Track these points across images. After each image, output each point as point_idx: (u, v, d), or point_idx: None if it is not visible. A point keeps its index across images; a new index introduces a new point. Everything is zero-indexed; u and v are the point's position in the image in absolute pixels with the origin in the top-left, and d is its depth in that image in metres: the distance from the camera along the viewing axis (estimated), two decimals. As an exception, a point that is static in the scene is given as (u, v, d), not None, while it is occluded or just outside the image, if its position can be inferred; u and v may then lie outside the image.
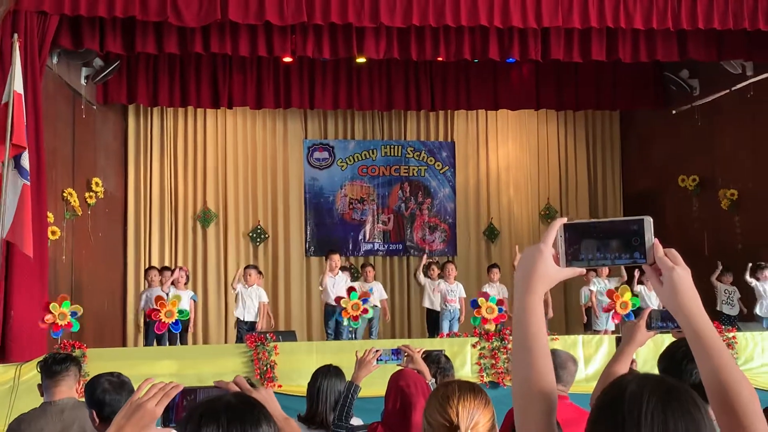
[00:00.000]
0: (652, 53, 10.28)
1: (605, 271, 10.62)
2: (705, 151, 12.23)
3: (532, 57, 10.11)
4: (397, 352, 3.77)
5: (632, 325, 2.93)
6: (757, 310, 10.18)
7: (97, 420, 3.24)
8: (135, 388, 1.85)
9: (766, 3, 9.26)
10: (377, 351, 3.82)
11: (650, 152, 13.56)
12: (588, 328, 10.71)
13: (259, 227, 13.26)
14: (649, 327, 2.90)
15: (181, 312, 8.85)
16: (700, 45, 10.34)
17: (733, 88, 11.64)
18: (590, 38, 9.96)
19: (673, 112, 12.91)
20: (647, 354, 6.65)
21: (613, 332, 9.75)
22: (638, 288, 10.23)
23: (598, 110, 13.92)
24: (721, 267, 10.70)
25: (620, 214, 14.09)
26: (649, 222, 1.46)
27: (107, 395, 3.28)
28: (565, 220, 1.50)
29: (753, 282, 10.15)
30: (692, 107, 12.50)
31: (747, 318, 10.24)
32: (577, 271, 1.50)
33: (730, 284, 10.74)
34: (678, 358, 2.65)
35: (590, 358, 8.47)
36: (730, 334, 8.55)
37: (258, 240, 13.23)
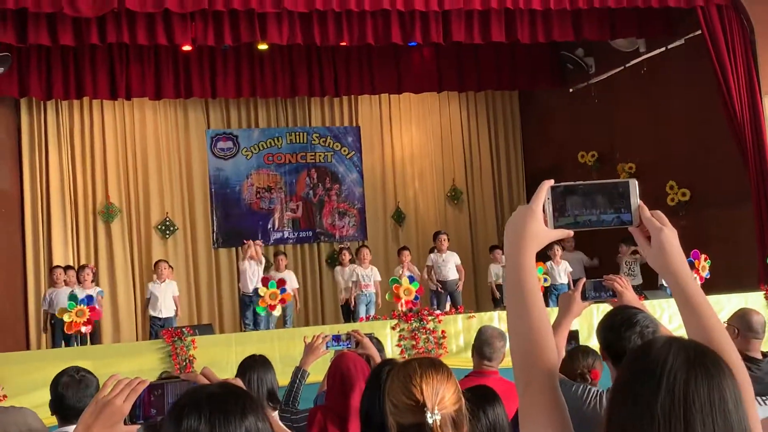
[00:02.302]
0: (549, 34, 10.52)
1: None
2: (603, 127, 12.62)
3: (434, 40, 10.21)
4: (347, 337, 3.78)
5: (568, 296, 3.01)
6: (661, 281, 10.55)
7: None
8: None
9: (657, -19, 9.60)
10: (326, 336, 3.82)
11: (550, 130, 13.91)
12: (498, 304, 10.94)
13: (167, 220, 12.96)
14: (584, 298, 2.99)
15: (87, 300, 8.55)
16: (594, 24, 10.65)
17: (627, 65, 12.04)
18: (490, 20, 10.11)
19: (571, 90, 13.27)
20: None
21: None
22: (547, 264, 10.52)
23: (499, 91, 14.18)
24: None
25: (523, 191, 14.42)
26: (634, 184, 1.49)
27: (68, 390, 3.21)
28: (552, 182, 1.51)
29: None
30: (588, 85, 12.88)
31: (651, 288, 10.63)
32: (565, 232, 1.52)
33: (630, 254, 11.13)
34: (616, 326, 2.75)
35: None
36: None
37: (168, 233, 12.94)
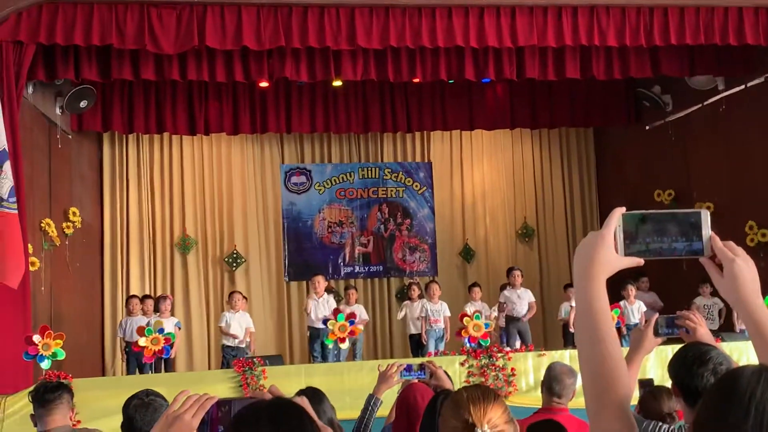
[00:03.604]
0: (625, 70, 10.44)
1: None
2: (679, 165, 12.38)
3: (507, 76, 10.22)
4: (420, 367, 3.78)
5: (639, 332, 2.96)
6: (740, 324, 10.24)
7: None
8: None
9: (736, 19, 9.43)
10: (400, 365, 3.83)
11: (625, 168, 13.71)
12: (569, 342, 10.76)
13: (235, 252, 13.20)
14: (656, 334, 2.93)
15: (163, 331, 8.76)
16: (673, 61, 10.52)
17: (704, 103, 11.82)
18: (564, 56, 10.08)
19: (647, 127, 13.08)
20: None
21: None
22: (621, 303, 10.31)
23: (572, 128, 14.07)
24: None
25: (597, 230, 14.14)
26: (706, 214, 1.47)
27: (138, 412, 3.30)
28: (624, 209, 1.50)
29: None
30: (665, 122, 12.68)
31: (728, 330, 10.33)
32: (635, 260, 1.50)
33: (709, 296, 10.85)
34: (688, 362, 2.68)
35: (578, 371, 8.48)
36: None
37: (234, 265, 13.16)
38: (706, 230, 1.47)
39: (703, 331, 2.86)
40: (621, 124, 13.42)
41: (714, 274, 1.51)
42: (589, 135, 14.59)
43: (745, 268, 1.47)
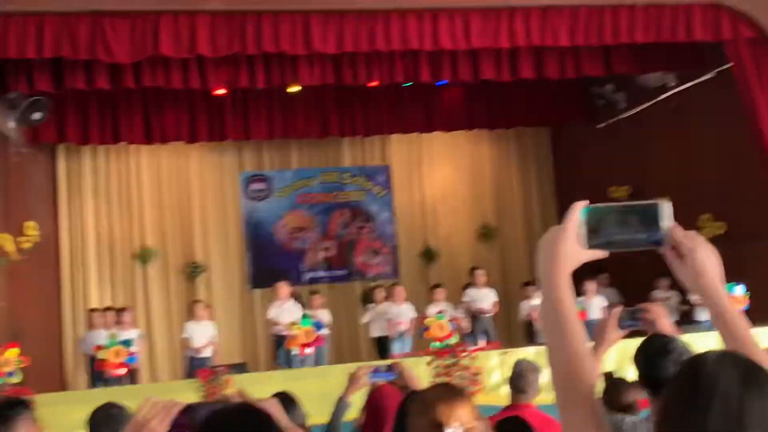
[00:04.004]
0: (578, 69, 10.58)
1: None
2: (634, 162, 12.58)
3: (463, 78, 10.31)
4: (388, 368, 3.79)
5: (603, 325, 3.00)
6: (699, 316, 10.39)
7: None
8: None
9: (685, 16, 9.61)
10: (369, 367, 3.84)
11: (581, 166, 13.88)
12: (532, 339, 10.86)
13: (195, 261, 13.11)
14: (619, 326, 2.98)
15: (126, 342, 8.67)
16: (624, 59, 10.68)
17: (656, 100, 12.03)
18: (518, 57, 10.19)
19: (601, 125, 13.27)
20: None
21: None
22: (579, 299, 10.43)
23: (529, 127, 14.21)
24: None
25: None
26: (666, 206, 1.49)
27: (103, 425, 3.28)
28: (586, 202, 1.51)
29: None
30: (619, 120, 12.87)
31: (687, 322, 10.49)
32: (598, 253, 1.50)
33: (668, 288, 11.01)
34: (651, 354, 2.74)
35: (543, 367, 8.57)
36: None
37: (195, 274, 13.08)
38: (666, 221, 1.49)
39: (665, 323, 2.92)
40: (576, 122, 13.60)
41: (676, 264, 1.52)
42: (546, 134, 14.75)
43: (707, 256, 1.50)
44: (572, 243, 1.49)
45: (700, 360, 1.31)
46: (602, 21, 9.53)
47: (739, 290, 9.45)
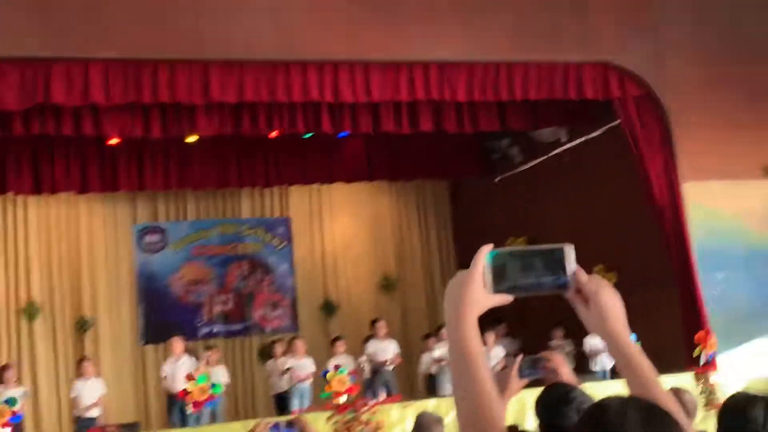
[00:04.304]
0: (475, 124, 10.78)
1: (446, 335, 10.85)
2: (529, 214, 12.88)
3: (364, 130, 10.37)
4: (287, 424, 3.66)
5: (505, 374, 2.98)
6: (593, 366, 10.61)
7: None
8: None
9: (576, 74, 9.98)
10: (267, 423, 3.70)
11: (479, 218, 14.11)
12: (433, 391, 10.84)
13: (83, 317, 12.59)
14: (520, 376, 2.97)
15: (9, 401, 8.19)
16: (519, 115, 10.96)
17: (550, 154, 12.39)
18: (418, 111, 10.32)
19: (498, 179, 13.56)
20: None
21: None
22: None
23: (428, 180, 14.39)
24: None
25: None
26: (569, 249, 1.49)
27: None
28: (490, 246, 1.50)
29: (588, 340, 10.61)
30: (514, 174, 13.19)
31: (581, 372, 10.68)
32: (504, 298, 1.49)
33: (562, 338, 11.21)
34: (553, 402, 2.73)
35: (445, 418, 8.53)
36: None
37: (84, 330, 12.55)
38: (571, 265, 1.49)
39: (566, 372, 2.92)
40: (473, 176, 13.86)
41: (580, 308, 1.51)
42: (445, 187, 14.96)
43: (611, 300, 1.49)
44: (479, 288, 1.47)
45: (603, 405, 1.30)
46: (498, 78, 9.78)
47: (632, 338, 9.67)
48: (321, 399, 8.92)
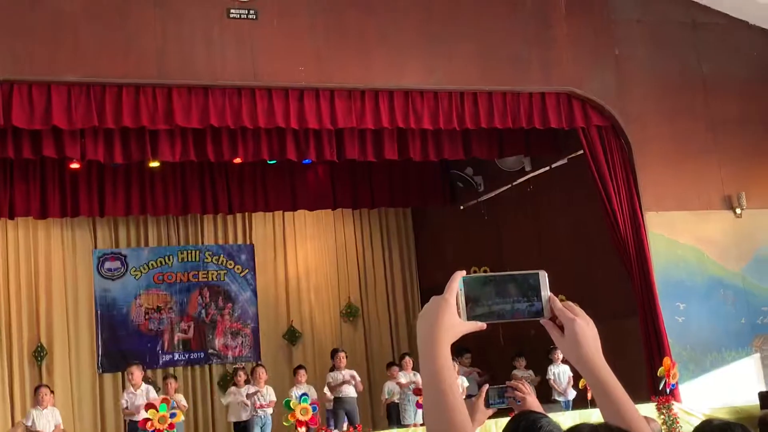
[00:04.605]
0: (439, 152, 10.83)
1: (410, 364, 10.80)
2: (492, 243, 12.91)
3: (328, 157, 10.33)
4: None
5: (471, 403, 2.94)
6: (556, 396, 10.61)
7: None
8: None
9: (540, 104, 10.07)
10: None
11: (443, 247, 14.12)
12: (393, 422, 10.74)
13: (40, 344, 12.31)
14: (487, 405, 2.93)
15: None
16: (483, 143, 11.04)
17: (513, 183, 12.45)
18: (382, 138, 10.33)
19: (461, 207, 13.59)
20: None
21: (422, 424, 9.87)
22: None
23: (392, 208, 14.38)
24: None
25: (418, 307, 14.44)
26: (544, 276, 1.47)
27: None
28: (464, 272, 1.47)
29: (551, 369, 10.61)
30: (478, 202, 13.23)
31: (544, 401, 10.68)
32: (478, 325, 1.47)
33: (524, 369, 11.20)
34: (520, 431, 2.68)
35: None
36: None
37: (40, 358, 12.27)
38: (545, 291, 1.47)
39: (532, 401, 2.90)
40: (437, 204, 13.88)
41: (555, 335, 1.50)
42: (408, 215, 14.96)
43: (586, 327, 1.48)
44: (453, 314, 1.45)
45: (576, 430, 1.30)
46: (463, 106, 9.83)
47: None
48: (283, 427, 8.79)
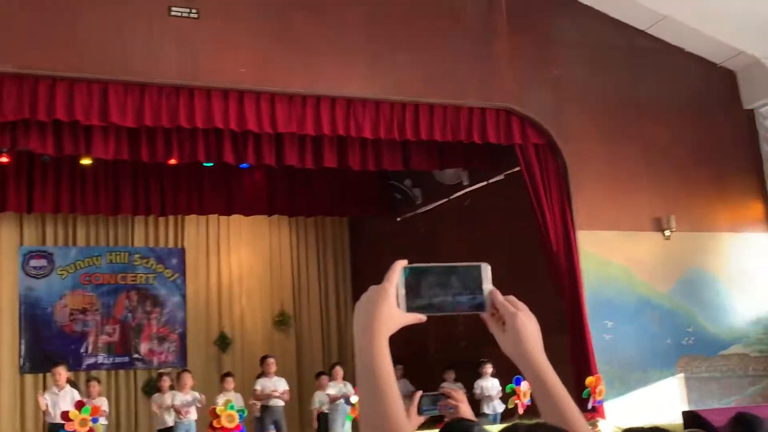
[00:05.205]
0: (379, 162, 10.80)
1: (340, 374, 10.73)
2: (429, 255, 12.86)
3: (267, 162, 10.20)
4: None
5: (403, 411, 2.90)
6: (484, 409, 10.64)
7: None
8: None
9: (480, 119, 10.13)
10: None
11: (378, 258, 14.05)
12: (324, 430, 10.65)
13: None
14: (420, 412, 2.89)
15: None
16: (422, 155, 11.05)
17: (451, 197, 12.51)
18: (322, 145, 10.26)
19: (398, 219, 13.59)
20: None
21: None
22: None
23: (329, 216, 14.30)
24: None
25: (351, 319, 14.35)
26: (486, 269, 1.43)
27: None
28: (405, 262, 1.42)
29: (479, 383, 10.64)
30: (415, 214, 13.26)
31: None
32: (417, 317, 1.41)
33: (453, 381, 11.22)
34: (454, 439, 2.65)
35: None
36: None
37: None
38: (487, 285, 1.43)
39: (465, 408, 2.87)
40: (374, 214, 13.86)
41: (496, 330, 1.46)
42: (345, 224, 14.90)
43: (528, 322, 1.45)
44: (392, 305, 1.39)
45: (513, 429, 1.27)
46: (404, 117, 9.82)
47: (525, 384, 9.79)
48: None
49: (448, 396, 2.91)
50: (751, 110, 11.54)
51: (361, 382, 1.37)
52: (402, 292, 1.40)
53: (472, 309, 1.43)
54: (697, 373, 10.73)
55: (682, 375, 10.67)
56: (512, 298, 1.47)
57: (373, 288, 1.41)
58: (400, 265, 1.41)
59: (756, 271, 11.14)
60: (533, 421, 1.33)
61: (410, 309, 1.41)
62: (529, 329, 1.45)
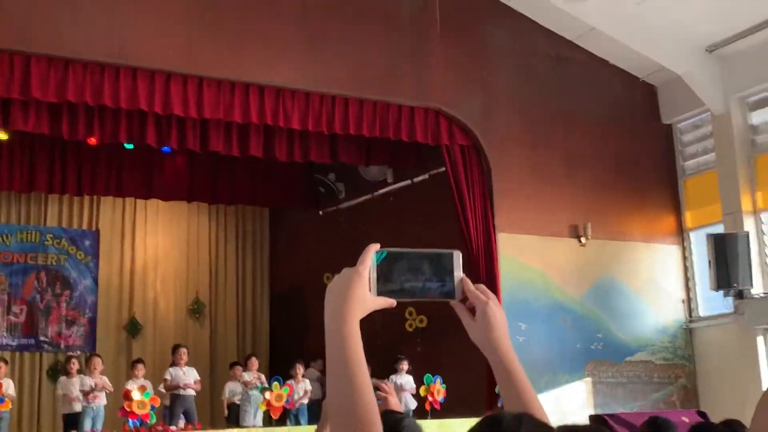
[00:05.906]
0: (305, 154, 10.76)
1: (255, 365, 10.64)
2: (349, 251, 12.79)
3: (190, 147, 10.04)
4: None
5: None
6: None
7: None
8: None
9: (408, 117, 10.18)
10: None
11: (298, 250, 14.02)
12: (231, 422, 10.53)
13: None
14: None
15: None
16: (350, 150, 11.05)
17: (375, 193, 12.54)
18: (249, 134, 10.15)
19: (321, 212, 13.55)
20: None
21: (261, 426, 9.77)
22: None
23: (250, 206, 14.15)
24: None
25: (267, 309, 14.27)
26: (458, 256, 1.44)
27: None
28: (378, 246, 1.42)
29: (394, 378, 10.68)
30: (338, 209, 13.23)
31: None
32: (388, 302, 1.42)
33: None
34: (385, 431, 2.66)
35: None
36: None
37: None
38: (458, 272, 1.45)
39: (394, 401, 2.90)
40: (297, 206, 13.79)
41: (465, 317, 1.49)
42: (266, 215, 14.77)
43: (497, 310, 1.47)
44: (364, 288, 1.40)
45: (497, 417, 1.30)
46: (333, 110, 9.80)
47: (438, 382, 9.89)
48: (116, 420, 8.44)
49: (377, 388, 2.92)
50: (670, 125, 11.94)
51: (331, 366, 1.37)
52: (374, 275, 1.41)
53: (442, 296, 1.45)
54: (604, 378, 11.03)
55: (589, 379, 10.95)
56: (482, 286, 1.49)
57: (346, 270, 1.41)
58: (374, 248, 1.42)
59: (665, 282, 11.53)
60: (517, 412, 1.36)
61: (381, 293, 1.42)
62: (498, 318, 1.47)
